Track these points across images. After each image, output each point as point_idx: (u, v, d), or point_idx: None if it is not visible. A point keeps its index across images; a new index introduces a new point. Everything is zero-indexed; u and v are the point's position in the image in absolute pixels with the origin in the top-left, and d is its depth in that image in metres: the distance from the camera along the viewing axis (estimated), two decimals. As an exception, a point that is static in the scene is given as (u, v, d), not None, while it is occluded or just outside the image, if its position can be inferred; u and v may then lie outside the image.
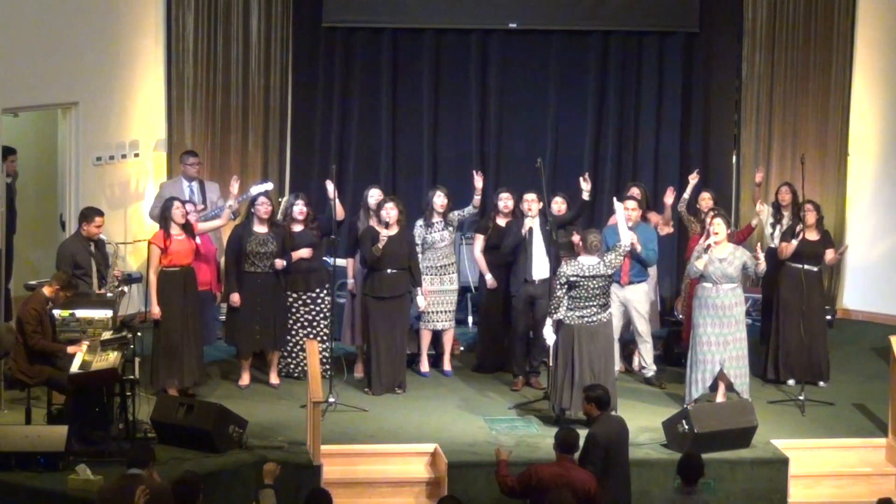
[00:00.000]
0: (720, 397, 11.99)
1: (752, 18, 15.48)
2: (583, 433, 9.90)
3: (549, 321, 11.59)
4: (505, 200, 13.03)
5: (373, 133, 15.37)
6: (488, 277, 13.02)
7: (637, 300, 12.73)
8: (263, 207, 12.49)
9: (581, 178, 12.65)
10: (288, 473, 10.59)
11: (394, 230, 12.43)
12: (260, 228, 12.46)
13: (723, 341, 11.86)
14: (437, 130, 15.46)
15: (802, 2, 15.43)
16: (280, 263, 12.37)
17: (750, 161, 15.50)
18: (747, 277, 12.32)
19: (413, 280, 12.60)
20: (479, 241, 13.11)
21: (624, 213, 12.04)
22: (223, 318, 14.25)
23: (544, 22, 15.38)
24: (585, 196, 12.67)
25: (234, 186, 12.91)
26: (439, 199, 12.97)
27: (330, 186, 12.82)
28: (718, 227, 11.92)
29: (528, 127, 15.55)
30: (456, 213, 13.06)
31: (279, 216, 12.92)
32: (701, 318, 11.92)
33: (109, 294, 12.07)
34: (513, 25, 15.33)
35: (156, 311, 11.93)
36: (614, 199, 12.54)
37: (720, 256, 11.88)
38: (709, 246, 11.87)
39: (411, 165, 15.42)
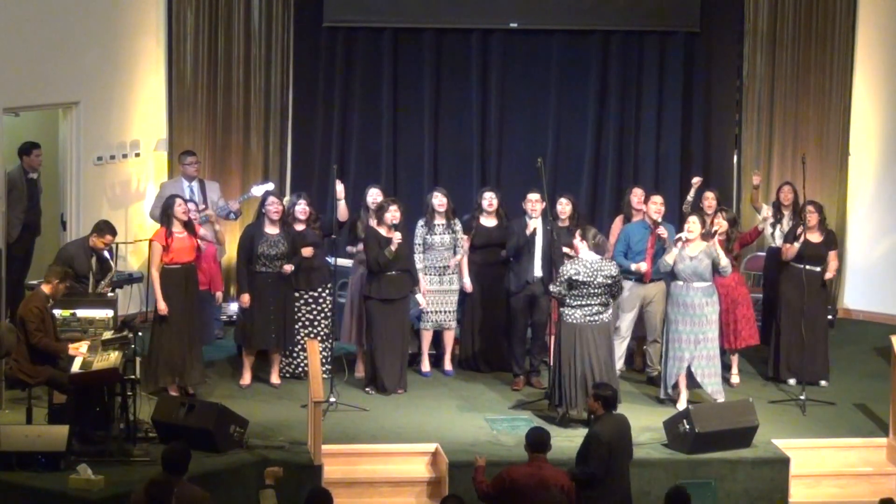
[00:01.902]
0: (683, 393, 11.98)
1: (753, 18, 15.48)
2: (582, 432, 9.91)
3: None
4: (489, 199, 13.04)
5: (373, 133, 15.37)
6: (466, 282, 13.03)
7: (656, 298, 12.74)
8: (273, 208, 12.50)
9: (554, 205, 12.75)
10: (289, 473, 10.59)
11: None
12: (271, 229, 12.47)
13: (693, 339, 11.90)
14: (438, 130, 15.45)
15: (803, 1, 15.43)
16: (288, 268, 12.38)
17: (751, 161, 15.50)
18: (749, 277, 12.34)
19: (412, 279, 12.60)
20: (464, 241, 13.11)
21: (660, 215, 12.56)
22: (224, 317, 14.30)
23: (545, 22, 15.38)
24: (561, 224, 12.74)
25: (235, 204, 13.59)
26: (437, 200, 12.96)
27: (339, 186, 12.83)
28: (693, 224, 11.96)
29: (529, 126, 15.55)
30: (459, 228, 13.02)
31: (281, 216, 12.93)
32: (673, 316, 11.98)
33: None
34: (514, 25, 15.33)
35: (162, 306, 11.91)
36: (659, 227, 12.57)
37: (691, 254, 11.92)
38: (679, 239, 11.91)
39: (412, 165, 15.42)
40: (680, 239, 11.95)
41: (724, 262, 12.01)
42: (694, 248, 11.97)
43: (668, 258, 11.95)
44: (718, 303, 12.08)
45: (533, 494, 9.12)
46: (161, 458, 8.81)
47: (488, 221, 13.06)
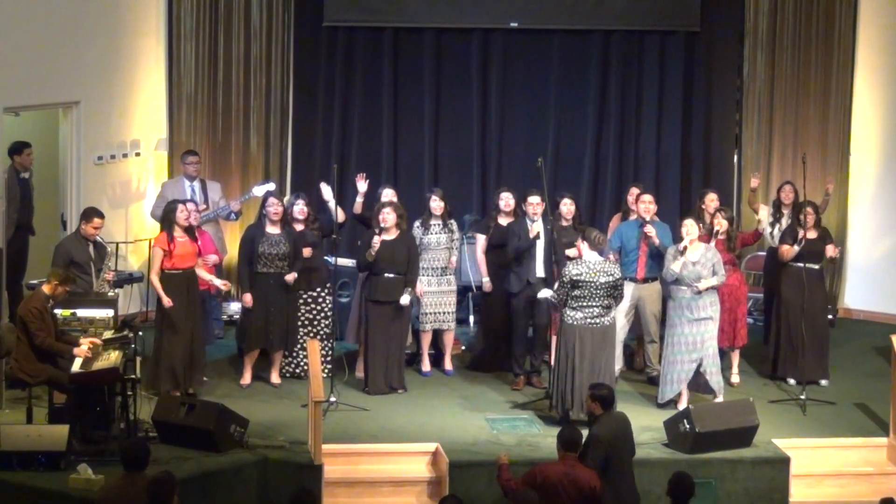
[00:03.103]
0: (685, 394, 11.98)
1: (754, 18, 15.49)
2: (583, 433, 9.91)
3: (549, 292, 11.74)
4: (506, 199, 13.03)
5: (374, 132, 15.38)
6: (485, 281, 13.02)
7: (650, 299, 12.73)
8: (273, 209, 12.48)
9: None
10: (289, 473, 10.61)
11: (393, 234, 12.42)
12: (272, 230, 12.45)
13: (700, 340, 11.89)
14: (439, 129, 15.46)
15: (803, 1, 15.43)
16: (290, 278, 12.35)
17: (751, 161, 15.50)
18: (749, 277, 12.31)
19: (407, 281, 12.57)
20: (481, 241, 13.11)
21: (648, 214, 12.57)
22: (225, 317, 14.30)
23: (545, 21, 15.38)
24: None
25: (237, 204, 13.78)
26: (435, 203, 12.96)
27: (326, 189, 12.82)
28: (691, 227, 11.94)
29: (530, 126, 15.55)
30: (456, 228, 13.03)
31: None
32: (677, 319, 11.96)
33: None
34: (514, 25, 15.33)
35: (166, 300, 11.85)
36: (646, 226, 12.57)
37: (693, 259, 11.90)
38: (685, 248, 11.89)
39: (412, 164, 15.43)
40: (685, 247, 11.89)
41: (719, 280, 11.99)
42: (694, 252, 11.93)
43: (675, 267, 11.87)
44: (719, 301, 12.09)
45: (564, 492, 9.12)
46: (121, 455, 8.85)
47: (505, 221, 13.03)
